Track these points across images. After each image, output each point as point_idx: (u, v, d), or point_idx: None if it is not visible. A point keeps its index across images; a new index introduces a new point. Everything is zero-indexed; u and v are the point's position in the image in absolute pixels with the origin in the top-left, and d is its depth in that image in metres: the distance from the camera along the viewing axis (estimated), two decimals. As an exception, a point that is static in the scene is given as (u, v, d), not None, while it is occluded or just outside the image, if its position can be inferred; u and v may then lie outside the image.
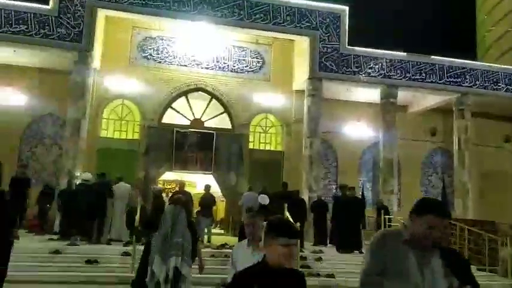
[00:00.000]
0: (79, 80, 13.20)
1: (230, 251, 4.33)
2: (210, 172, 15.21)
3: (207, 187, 12.08)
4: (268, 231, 2.23)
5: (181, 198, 5.73)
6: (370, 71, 15.03)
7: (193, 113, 15.83)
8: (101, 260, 8.86)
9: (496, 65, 17.74)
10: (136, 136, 15.38)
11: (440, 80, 15.80)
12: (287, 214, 9.39)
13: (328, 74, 14.74)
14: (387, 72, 15.24)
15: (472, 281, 2.39)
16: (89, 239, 10.23)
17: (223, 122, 15.96)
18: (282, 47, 16.34)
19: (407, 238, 2.37)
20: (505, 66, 17.38)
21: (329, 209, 12.08)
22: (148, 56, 15.51)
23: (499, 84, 16.31)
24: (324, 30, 14.76)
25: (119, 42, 15.09)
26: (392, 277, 2.29)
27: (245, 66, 16.16)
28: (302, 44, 15.28)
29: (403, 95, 15.70)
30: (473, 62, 17.09)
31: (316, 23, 14.73)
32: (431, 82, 15.71)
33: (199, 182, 17.02)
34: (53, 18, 13.05)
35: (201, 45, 15.66)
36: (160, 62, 15.53)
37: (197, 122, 15.72)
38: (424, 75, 15.63)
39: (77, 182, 11.93)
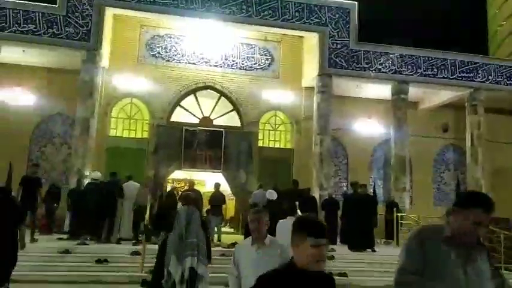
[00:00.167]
0: (87, 79, 13.17)
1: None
2: (220, 170, 15.12)
3: (217, 185, 11.99)
4: (296, 231, 2.06)
5: (191, 195, 5.69)
6: (380, 66, 14.81)
7: (202, 111, 15.75)
8: (111, 260, 8.81)
9: (509, 60, 17.40)
10: (145, 135, 15.33)
11: (452, 76, 15.54)
12: (298, 212, 9.24)
13: (337, 70, 14.55)
14: (398, 68, 15.01)
15: None
16: (98, 238, 10.20)
17: (232, 120, 15.86)
18: (291, 43, 16.19)
19: (448, 235, 2.16)
20: (519, 61, 17.06)
21: (340, 207, 11.92)
22: (157, 55, 15.44)
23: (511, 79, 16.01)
24: (333, 26, 14.58)
25: (127, 41, 15.05)
26: (432, 277, 2.10)
27: (254, 64, 16.03)
28: (311, 41, 15.11)
29: (413, 92, 15.46)
30: (486, 56, 16.77)
31: (326, 19, 14.55)
32: (443, 77, 15.45)
33: (208, 180, 16.95)
34: (61, 17, 13.02)
35: (210, 43, 15.56)
36: (168, 60, 15.46)
37: (206, 120, 15.63)
38: (435, 70, 15.37)
39: (87, 181, 11.93)
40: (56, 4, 13.13)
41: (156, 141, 14.79)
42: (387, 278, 9.09)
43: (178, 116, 15.53)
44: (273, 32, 15.46)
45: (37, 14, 12.88)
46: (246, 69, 15.93)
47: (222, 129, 15.22)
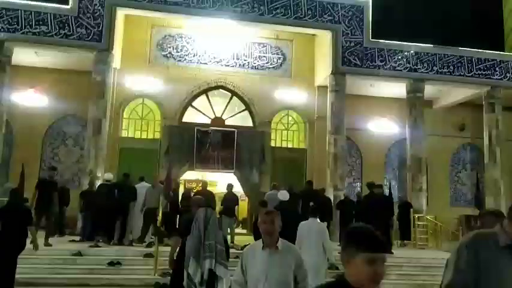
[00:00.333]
0: (99, 79, 13.11)
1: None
2: (232, 171, 14.97)
3: (230, 186, 11.83)
4: (346, 244, 1.77)
5: (201, 199, 5.60)
6: (395, 64, 14.52)
7: (213, 112, 15.62)
8: (124, 262, 8.71)
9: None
10: (157, 135, 15.26)
11: (469, 73, 15.17)
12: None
13: (351, 68, 14.30)
14: (413, 66, 14.70)
15: None
16: (109, 241, 10.10)
17: (244, 120, 15.72)
18: (303, 42, 15.98)
19: (509, 243, 1.86)
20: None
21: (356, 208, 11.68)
22: (168, 55, 15.36)
23: (530, 76, 15.60)
24: (346, 23, 14.32)
25: (138, 41, 14.99)
26: None
27: (266, 63, 15.86)
28: (324, 39, 14.88)
29: (429, 90, 15.13)
30: (504, 53, 16.36)
31: (339, 17, 14.30)
32: (460, 75, 15.09)
33: (220, 181, 16.80)
34: (73, 18, 12.97)
35: (221, 42, 15.44)
36: (180, 60, 15.37)
37: (218, 120, 15.51)
38: (452, 68, 15.03)
39: (99, 183, 11.87)
40: (67, 5, 13.10)
41: (168, 142, 14.70)
42: (405, 281, 8.87)
43: (190, 116, 15.43)
44: (285, 31, 15.26)
45: (49, 15, 12.86)
46: (258, 69, 15.77)
47: (234, 129, 15.06)
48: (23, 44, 12.88)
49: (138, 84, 14.56)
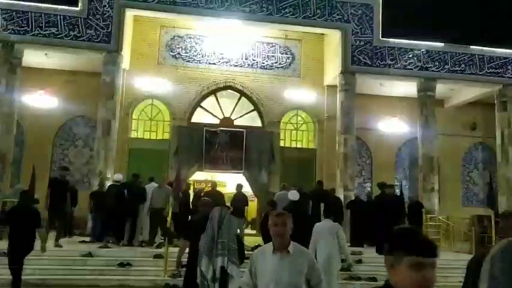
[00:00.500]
0: (108, 80, 13.13)
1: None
2: (241, 171, 14.90)
3: (239, 187, 11.78)
4: (393, 246, 1.60)
5: (209, 201, 5.60)
6: (405, 63, 14.38)
7: (222, 112, 15.59)
8: (134, 263, 8.69)
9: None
10: (166, 136, 15.26)
11: (480, 72, 14.97)
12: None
13: (361, 67, 14.17)
14: (424, 64, 14.54)
15: None
16: (118, 241, 10.09)
17: (253, 120, 15.67)
18: (312, 41, 15.90)
19: None
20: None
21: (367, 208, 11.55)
22: (177, 55, 15.36)
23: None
24: (356, 22, 14.21)
25: (147, 42, 15.02)
26: None
27: (274, 63, 15.79)
28: (333, 38, 14.78)
29: (439, 89, 14.95)
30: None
31: (348, 15, 14.19)
32: (471, 74, 14.91)
33: (229, 181, 16.75)
34: (82, 19, 13.02)
35: (230, 43, 15.40)
36: (188, 61, 15.36)
37: (227, 121, 15.47)
38: (463, 66, 14.84)
39: (108, 183, 11.88)
40: (77, 7, 13.14)
41: (177, 143, 14.69)
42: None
43: (199, 116, 15.42)
44: (294, 30, 15.19)
45: (59, 17, 12.91)
46: (266, 68, 15.72)
47: (243, 130, 15.01)
48: (33, 45, 12.95)
49: (147, 85, 14.57)
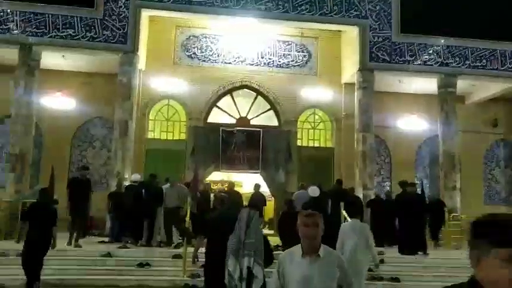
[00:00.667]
0: (125, 81, 13.14)
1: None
2: (258, 171, 14.79)
3: (257, 186, 11.68)
4: (478, 238, 1.34)
5: (225, 196, 5.56)
6: (425, 59, 14.08)
7: (238, 111, 15.50)
8: (152, 263, 8.64)
9: None
10: (182, 136, 15.23)
11: (502, 67, 14.58)
12: (344, 213, 8.81)
13: (379, 64, 13.92)
14: (444, 60, 14.23)
15: None
16: (136, 241, 10.05)
17: (269, 120, 15.53)
18: (329, 39, 15.70)
19: None
20: None
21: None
22: (193, 55, 15.32)
23: None
24: (374, 18, 13.97)
25: (162, 42, 15.00)
26: None
27: (291, 61, 15.64)
28: (350, 34, 14.56)
29: (460, 85, 14.60)
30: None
31: (366, 11, 13.95)
32: (493, 69, 14.54)
33: (246, 181, 16.65)
34: (99, 20, 13.05)
35: (245, 42, 15.30)
36: (204, 61, 15.31)
37: (243, 120, 15.37)
38: (484, 61, 14.48)
39: (126, 184, 11.88)
40: (93, 8, 13.18)
41: (193, 143, 14.64)
42: (442, 283, 8.50)
43: (215, 116, 15.35)
44: (310, 28, 15.02)
45: (75, 19, 12.97)
46: (282, 67, 15.57)
47: (259, 129, 14.89)
48: (51, 47, 13.02)
49: (163, 85, 14.56)
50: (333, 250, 3.03)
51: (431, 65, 14.15)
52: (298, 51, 15.72)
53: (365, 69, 13.90)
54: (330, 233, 5.97)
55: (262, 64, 15.46)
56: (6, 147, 13.60)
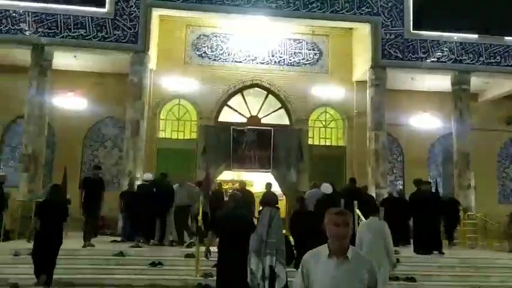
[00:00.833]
0: (136, 81, 13.16)
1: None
2: (269, 170, 14.73)
3: (269, 185, 11.59)
4: None
5: (239, 195, 5.54)
6: (438, 56, 13.90)
7: (249, 110, 15.45)
8: (165, 263, 8.62)
9: None
10: (193, 136, 15.22)
11: (516, 64, 14.36)
12: (358, 212, 8.70)
13: (392, 61, 13.79)
14: (458, 57, 14.03)
15: None
16: (148, 241, 10.03)
17: (280, 118, 15.47)
18: (340, 36, 15.60)
19: None
20: None
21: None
22: (203, 54, 15.30)
23: None
24: (386, 15, 13.82)
25: (173, 42, 15.01)
26: None
27: (302, 59, 15.56)
28: (362, 32, 14.43)
29: (473, 82, 14.41)
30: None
31: (378, 8, 13.81)
32: (507, 66, 14.32)
33: (256, 180, 16.58)
34: (110, 20, 13.08)
35: (256, 40, 15.26)
36: (215, 60, 15.29)
37: (254, 119, 15.32)
38: (498, 58, 14.26)
39: (138, 183, 11.89)
40: (104, 8, 13.21)
41: (204, 142, 14.63)
42: (458, 283, 8.36)
43: (226, 115, 15.32)
44: (321, 26, 14.92)
45: (87, 19, 13.01)
46: (293, 65, 15.50)
47: (270, 128, 14.83)
48: (63, 47, 13.08)
49: (174, 85, 14.56)
50: (360, 251, 2.89)
51: (445, 61, 13.97)
52: (309, 49, 15.62)
53: (377, 67, 13.77)
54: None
55: (273, 63, 15.40)
56: (19, 148, 13.70)
